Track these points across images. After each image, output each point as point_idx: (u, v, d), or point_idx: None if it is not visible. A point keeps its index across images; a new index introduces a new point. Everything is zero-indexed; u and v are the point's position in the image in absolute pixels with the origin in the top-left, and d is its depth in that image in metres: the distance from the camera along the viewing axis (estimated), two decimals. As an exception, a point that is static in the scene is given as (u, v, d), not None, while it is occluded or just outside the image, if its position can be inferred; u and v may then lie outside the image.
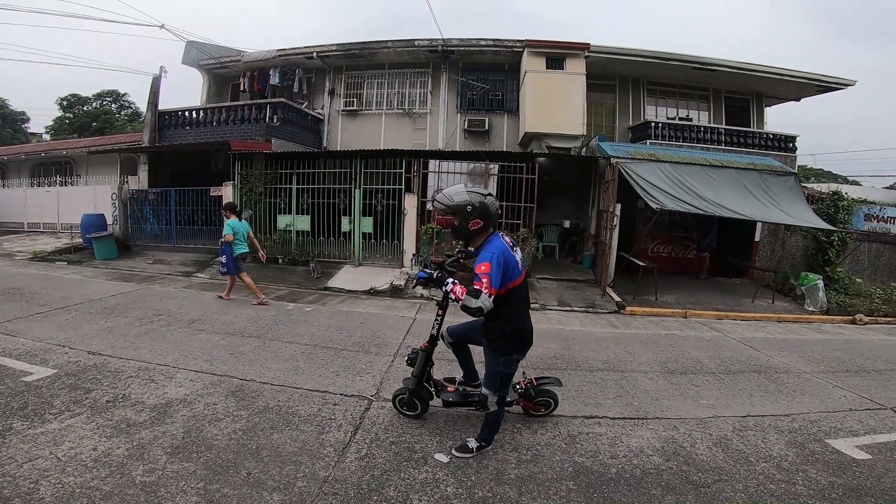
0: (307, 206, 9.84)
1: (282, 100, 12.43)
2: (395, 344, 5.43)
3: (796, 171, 10.98)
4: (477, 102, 13.53)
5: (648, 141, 11.95)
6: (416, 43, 12.94)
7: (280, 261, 9.62)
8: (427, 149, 12.20)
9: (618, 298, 8.16)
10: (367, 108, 14.12)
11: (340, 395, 3.93)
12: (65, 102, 36.43)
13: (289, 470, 2.82)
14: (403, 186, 9.34)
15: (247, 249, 7.37)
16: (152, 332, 5.60)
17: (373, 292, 8.10)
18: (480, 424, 3.21)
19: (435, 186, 9.35)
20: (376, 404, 3.78)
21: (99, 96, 37.99)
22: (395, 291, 8.14)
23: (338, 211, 9.66)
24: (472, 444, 3.15)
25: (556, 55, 11.64)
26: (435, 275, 3.00)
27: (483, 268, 2.63)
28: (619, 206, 8.75)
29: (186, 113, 12.79)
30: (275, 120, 11.84)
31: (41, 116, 35.59)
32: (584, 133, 11.44)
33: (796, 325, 7.95)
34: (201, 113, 12.71)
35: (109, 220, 11.48)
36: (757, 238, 10.67)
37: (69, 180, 16.12)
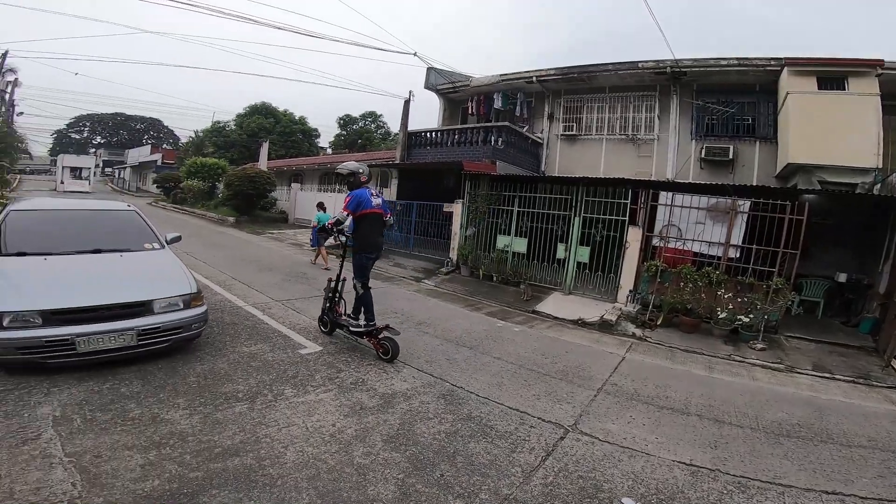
0: (525, 229, 9.65)
1: (505, 123, 12.56)
2: (601, 379, 4.99)
3: None
4: (717, 128, 11.40)
5: (984, 179, 8.22)
6: (639, 65, 11.63)
7: (494, 279, 9.67)
8: (653, 178, 10.79)
9: (908, 377, 5.74)
10: (587, 133, 13.28)
11: (538, 418, 3.81)
12: (341, 121, 44.38)
13: (475, 480, 2.82)
14: (627, 218, 8.34)
15: None
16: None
17: (581, 323, 7.44)
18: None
19: (665, 221, 8.08)
20: (572, 435, 3.58)
21: (363, 117, 45.11)
22: (604, 326, 7.32)
23: (554, 237, 9.21)
24: (362, 320, 4.94)
25: (831, 74, 9.13)
26: (327, 225, 4.97)
27: (344, 202, 4.77)
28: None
29: (428, 134, 13.99)
30: (499, 143, 12.04)
31: (326, 132, 44.02)
32: (880, 166, 8.51)
33: None
34: (438, 134, 13.76)
35: None
36: None
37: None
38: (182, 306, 4.29)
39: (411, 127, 14.29)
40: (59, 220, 5.31)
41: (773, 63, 10.05)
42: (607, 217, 8.60)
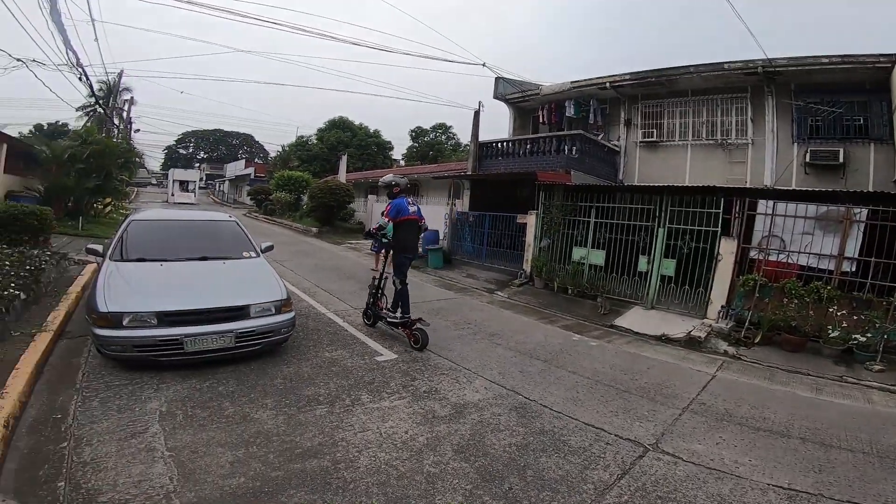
0: (603, 240, 9.25)
1: (579, 132, 12.19)
2: (687, 398, 4.64)
3: None
4: (823, 129, 10.21)
5: None
6: (725, 66, 10.77)
7: (570, 291, 9.35)
8: (749, 185, 9.89)
9: None
10: (669, 139, 12.51)
11: (615, 435, 3.64)
12: (413, 133, 45.49)
13: (545, 495, 2.74)
14: (720, 229, 7.71)
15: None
16: (462, 337, 6.16)
17: (664, 339, 6.98)
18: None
19: (764, 231, 7.37)
20: (652, 454, 3.38)
21: (434, 128, 45.90)
22: (691, 342, 6.81)
23: (635, 249, 8.73)
24: (398, 313, 5.60)
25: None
26: (371, 230, 5.99)
27: (385, 210, 5.85)
28: None
29: (499, 144, 13.91)
30: (573, 152, 11.71)
31: (399, 144, 45.09)
32: None
33: None
34: (509, 144, 13.63)
35: (441, 236, 13.32)
36: None
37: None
38: (274, 312, 4.54)
39: (482, 137, 14.32)
40: (172, 230, 5.83)
41: (882, 60, 8.97)
42: (696, 228, 8.01)
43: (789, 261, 7.19)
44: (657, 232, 8.44)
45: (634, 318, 7.92)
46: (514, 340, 6.22)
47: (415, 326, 5.44)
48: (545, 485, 2.84)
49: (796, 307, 6.74)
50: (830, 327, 6.43)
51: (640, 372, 5.39)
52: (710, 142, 11.71)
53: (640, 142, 12.93)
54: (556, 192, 10.13)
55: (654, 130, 12.68)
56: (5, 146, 13.85)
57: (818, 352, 6.44)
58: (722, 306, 7.46)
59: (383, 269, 6.03)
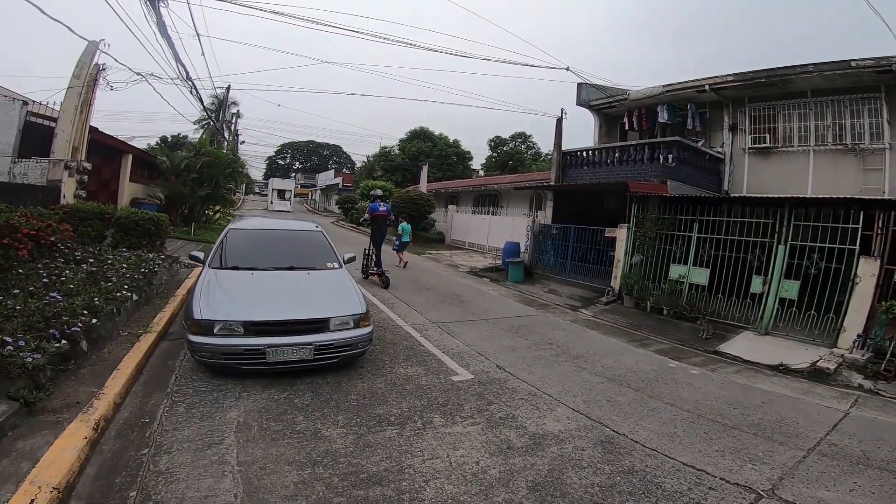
0: (707, 257, 8.32)
1: (676, 138, 11.17)
2: (812, 437, 4.01)
3: None
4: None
5: None
6: (852, 64, 9.33)
7: (665, 312, 8.54)
8: (887, 196, 8.40)
9: None
10: (786, 145, 11.03)
11: (720, 479, 3.18)
12: (492, 143, 45.43)
13: None
14: (858, 247, 6.57)
15: (408, 240, 12.89)
16: (543, 359, 5.81)
17: (782, 369, 6.10)
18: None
19: (918, 252, 6.16)
20: (767, 502, 2.93)
21: (513, 137, 45.48)
22: (816, 374, 5.89)
23: (748, 268, 7.72)
24: (375, 268, 9.64)
25: None
26: (362, 221, 13.05)
27: (367, 209, 10.40)
28: None
29: (584, 153, 13.20)
30: (669, 160, 10.74)
31: (478, 154, 45.13)
32: None
33: None
34: (596, 153, 12.88)
35: (522, 249, 12.96)
36: None
37: (495, 210, 19.42)
38: (352, 325, 4.49)
39: (564, 146, 13.74)
40: (264, 239, 6.04)
41: None
42: (826, 245, 6.90)
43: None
44: (776, 249, 7.41)
45: (744, 345, 7.03)
46: (601, 364, 5.73)
47: (383, 276, 9.25)
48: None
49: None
50: None
51: (753, 406, 4.73)
52: (838, 147, 10.15)
53: (749, 148, 11.57)
54: (651, 203, 9.35)
55: (767, 135, 11.27)
56: (131, 157, 15.27)
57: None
58: (858, 335, 6.35)
59: (370, 245, 9.91)
